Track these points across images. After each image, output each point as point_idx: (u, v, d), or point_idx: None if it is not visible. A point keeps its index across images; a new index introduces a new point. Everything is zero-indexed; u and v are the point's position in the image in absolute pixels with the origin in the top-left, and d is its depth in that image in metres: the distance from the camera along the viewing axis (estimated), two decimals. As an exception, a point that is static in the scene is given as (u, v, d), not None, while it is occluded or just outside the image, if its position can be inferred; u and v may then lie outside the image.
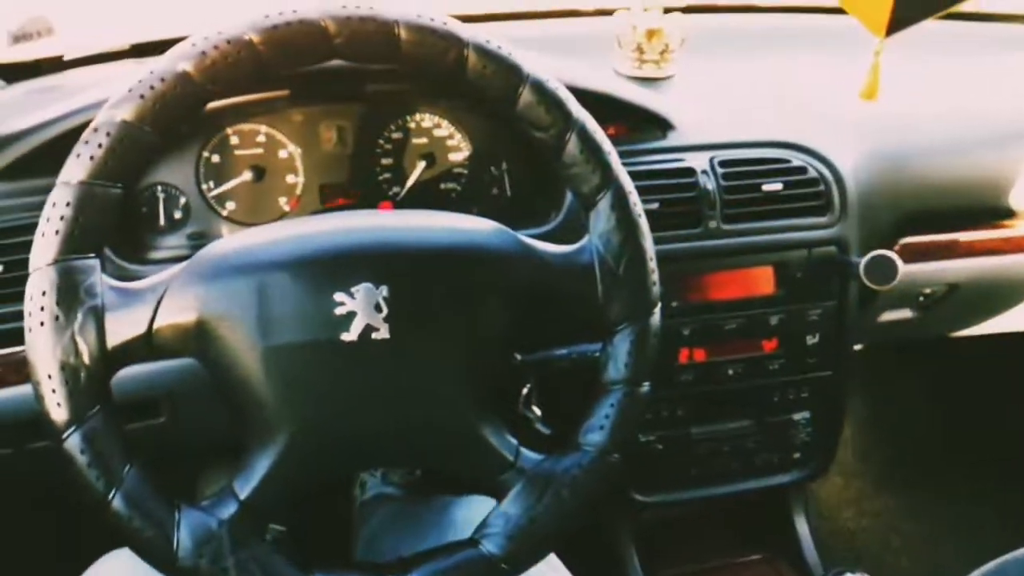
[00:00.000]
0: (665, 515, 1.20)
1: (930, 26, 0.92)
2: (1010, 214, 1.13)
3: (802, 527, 1.18)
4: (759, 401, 1.05)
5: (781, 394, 1.05)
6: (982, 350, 1.52)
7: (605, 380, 0.64)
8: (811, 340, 1.03)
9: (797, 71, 1.16)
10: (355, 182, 0.94)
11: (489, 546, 0.61)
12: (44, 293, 0.54)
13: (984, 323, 1.30)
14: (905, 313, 1.21)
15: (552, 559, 0.79)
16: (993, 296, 1.20)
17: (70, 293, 0.55)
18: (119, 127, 0.56)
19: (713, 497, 1.07)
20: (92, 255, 0.56)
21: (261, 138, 0.91)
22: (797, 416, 1.06)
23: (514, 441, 0.63)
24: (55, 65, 1.05)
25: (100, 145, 0.55)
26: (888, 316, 1.20)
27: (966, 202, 1.10)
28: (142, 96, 0.56)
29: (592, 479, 0.63)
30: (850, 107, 1.09)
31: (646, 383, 0.64)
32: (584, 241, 0.65)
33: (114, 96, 0.57)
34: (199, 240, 0.89)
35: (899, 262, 0.92)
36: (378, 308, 0.58)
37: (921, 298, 1.17)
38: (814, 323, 1.02)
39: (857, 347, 1.19)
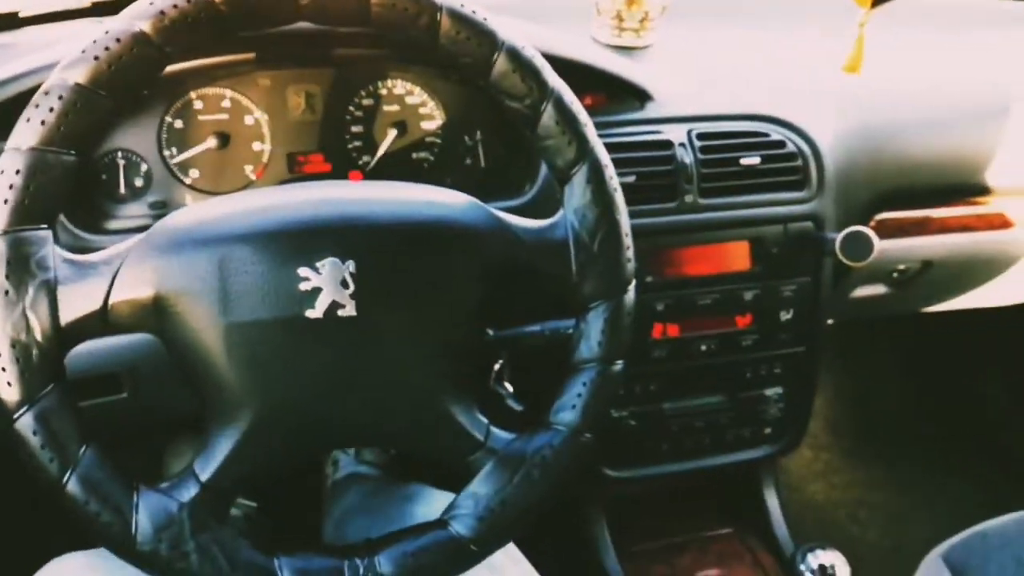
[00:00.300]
0: (635, 490, 1.20)
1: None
2: (984, 191, 1.13)
3: (772, 501, 1.19)
4: (732, 377, 1.04)
5: (754, 370, 1.04)
6: (952, 325, 1.54)
7: (577, 358, 0.63)
8: (785, 316, 1.02)
9: (778, 43, 1.15)
10: (324, 150, 0.91)
11: (458, 527, 0.60)
12: None
13: (956, 299, 1.31)
14: (879, 289, 1.21)
15: (511, 548, 0.78)
16: (966, 273, 1.20)
17: (20, 266, 0.52)
18: (72, 90, 0.53)
19: (685, 472, 1.07)
20: (44, 226, 0.54)
21: (226, 103, 0.88)
22: (769, 392, 1.06)
23: (484, 420, 0.62)
24: (9, 22, 1.00)
25: (52, 109, 0.53)
26: (861, 292, 1.20)
27: (943, 179, 1.10)
28: (96, 57, 0.53)
29: (564, 459, 0.62)
30: (830, 81, 1.08)
31: (619, 361, 0.63)
32: (558, 216, 0.63)
33: (66, 57, 0.54)
34: (161, 209, 0.86)
35: (875, 238, 0.92)
36: (344, 284, 0.56)
37: (895, 274, 1.18)
38: (788, 299, 1.01)
39: (829, 322, 1.19)
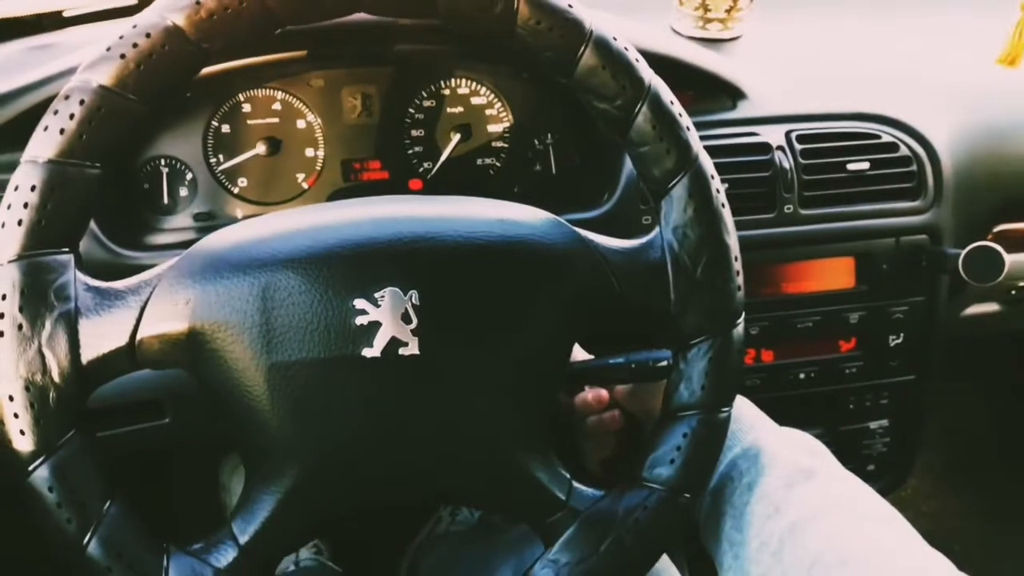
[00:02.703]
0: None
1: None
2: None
3: None
4: (833, 407, 0.94)
5: (857, 400, 0.94)
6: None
7: (677, 403, 0.53)
8: (894, 340, 0.91)
9: (883, 33, 1.03)
10: (381, 157, 0.83)
11: None
12: (4, 297, 0.45)
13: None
14: (991, 307, 1.09)
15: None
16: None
17: (36, 296, 0.45)
18: (95, 94, 0.46)
19: None
20: (64, 249, 0.47)
21: (277, 106, 0.81)
22: (874, 425, 0.95)
23: (566, 475, 0.53)
24: (55, 21, 0.95)
25: (72, 116, 0.46)
26: (972, 311, 1.08)
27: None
28: (123, 56, 0.46)
29: (659, 523, 0.52)
30: (944, 74, 0.97)
31: (726, 408, 0.53)
32: (653, 235, 0.54)
33: (89, 56, 0.47)
34: (206, 221, 0.80)
35: (1005, 256, 0.80)
36: (406, 318, 0.47)
37: (1012, 292, 1.05)
38: (898, 321, 0.90)
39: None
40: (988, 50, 0.97)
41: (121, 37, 0.46)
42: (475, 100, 0.84)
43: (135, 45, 0.46)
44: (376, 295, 0.47)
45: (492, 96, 0.84)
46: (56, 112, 0.46)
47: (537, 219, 0.53)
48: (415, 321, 0.48)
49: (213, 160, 0.80)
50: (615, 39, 0.51)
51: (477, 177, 0.85)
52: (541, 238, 0.51)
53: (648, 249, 0.53)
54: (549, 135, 0.86)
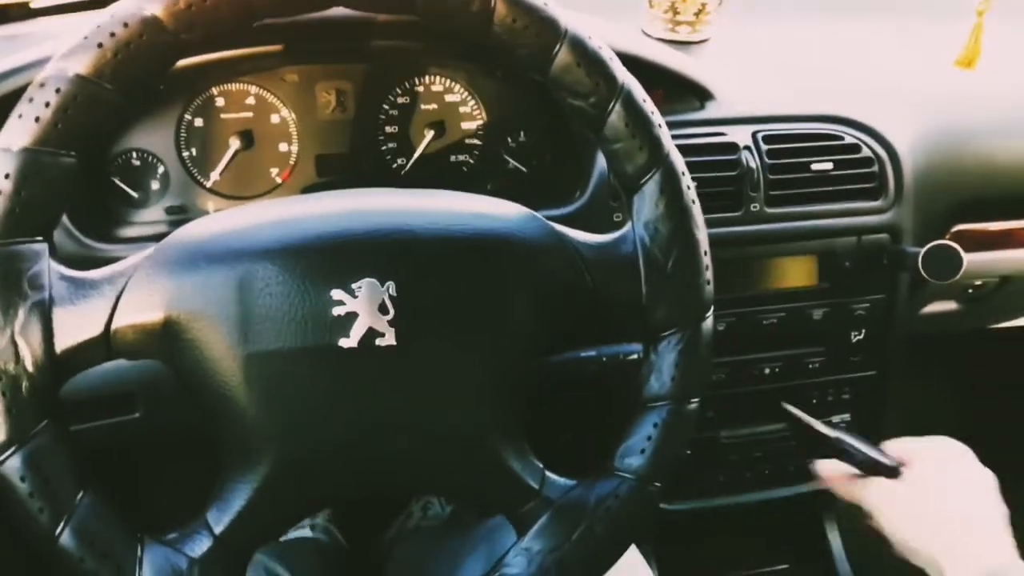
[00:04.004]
0: (685, 522, 1.12)
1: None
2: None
3: (834, 538, 1.10)
4: (796, 402, 0.95)
5: (820, 395, 0.95)
6: (1016, 340, 1.43)
7: (647, 394, 0.55)
8: (856, 337, 0.93)
9: (848, 38, 1.06)
10: (355, 152, 0.84)
11: None
12: None
13: (1028, 316, 1.21)
14: (950, 305, 1.12)
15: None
16: (1046, 289, 1.10)
17: (10, 285, 0.45)
18: (71, 82, 0.46)
19: (741, 505, 0.98)
20: (39, 238, 0.47)
21: (251, 100, 0.81)
22: (836, 419, 0.97)
23: (539, 464, 0.54)
24: (22, 12, 0.94)
25: (48, 104, 0.45)
26: (931, 308, 1.11)
27: (1029, 187, 1.00)
28: (100, 45, 0.46)
29: (630, 511, 0.53)
30: (906, 78, 0.99)
31: (695, 399, 0.55)
32: (625, 230, 0.55)
33: (65, 44, 0.46)
34: (178, 215, 0.79)
35: (963, 254, 0.83)
36: (383, 309, 0.48)
37: (970, 290, 1.08)
38: (860, 318, 0.92)
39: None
40: (947, 55, 1.00)
41: (98, 26, 0.46)
42: (449, 97, 0.85)
43: (112, 34, 0.46)
44: (353, 286, 0.48)
45: (466, 94, 0.85)
46: (31, 100, 0.45)
47: (513, 213, 0.54)
48: (392, 312, 0.48)
49: (186, 154, 0.80)
50: (590, 38, 0.52)
51: (450, 174, 0.86)
52: (517, 232, 0.52)
53: (620, 244, 0.55)
54: (522, 133, 0.87)
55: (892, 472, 0.63)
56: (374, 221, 0.50)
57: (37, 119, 0.45)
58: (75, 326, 0.47)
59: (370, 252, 0.49)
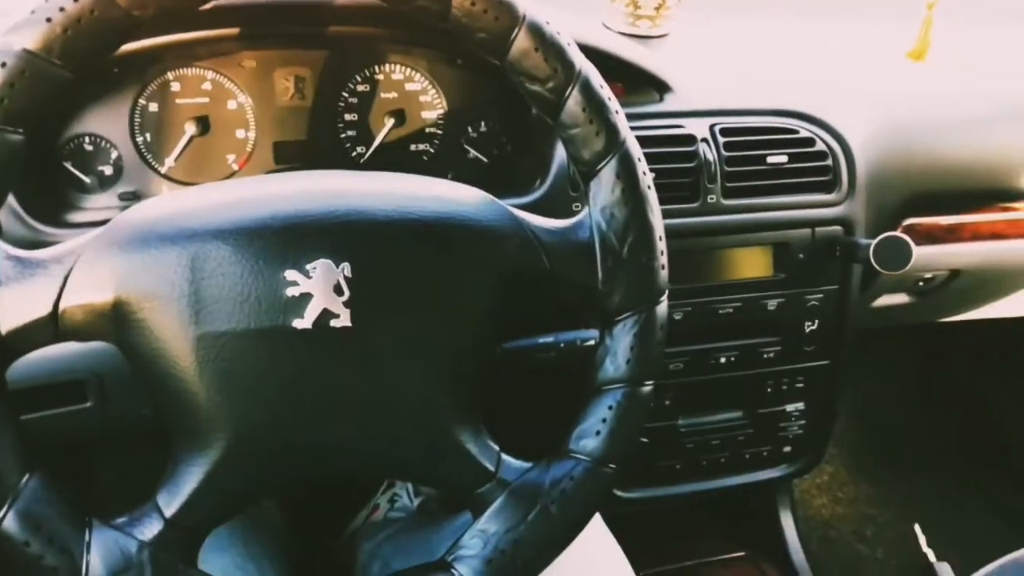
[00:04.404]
0: (643, 509, 1.13)
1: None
2: (1019, 196, 1.07)
3: (788, 525, 1.12)
4: (751, 391, 0.97)
5: (775, 384, 0.97)
6: (968, 334, 1.47)
7: (602, 378, 0.55)
8: (809, 327, 0.95)
9: (803, 35, 1.07)
10: (314, 140, 0.83)
11: (463, 570, 0.52)
12: None
13: (979, 309, 1.24)
14: (901, 298, 1.14)
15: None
16: (995, 282, 1.14)
17: None
18: (18, 57, 0.45)
19: (699, 493, 1.00)
20: None
21: (207, 86, 0.80)
22: (790, 407, 0.99)
23: (495, 447, 0.54)
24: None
25: None
26: (883, 301, 1.13)
27: (976, 183, 1.03)
28: (48, 19, 0.45)
29: (585, 493, 0.54)
30: (860, 75, 1.01)
31: (649, 382, 0.55)
32: (582, 215, 0.55)
33: (12, 19, 0.45)
34: (132, 201, 0.78)
35: (913, 246, 0.85)
36: (338, 290, 0.48)
37: (920, 283, 1.11)
38: (813, 309, 0.94)
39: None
40: (899, 53, 1.02)
41: (47, 1, 0.45)
42: (409, 86, 0.85)
43: (62, 9, 0.45)
44: (308, 267, 0.47)
45: (426, 83, 0.85)
46: None
47: (470, 197, 0.54)
48: (347, 293, 0.48)
49: (140, 139, 0.78)
50: (548, 23, 0.52)
51: (411, 162, 0.86)
52: (474, 215, 0.52)
53: (577, 229, 0.55)
54: (482, 123, 0.87)
55: None
56: (329, 202, 0.50)
57: None
58: (21, 306, 0.46)
59: (325, 233, 0.48)
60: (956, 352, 1.71)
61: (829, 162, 0.91)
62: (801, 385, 0.98)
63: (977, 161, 1.01)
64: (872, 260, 0.86)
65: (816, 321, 0.95)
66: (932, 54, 0.86)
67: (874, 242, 0.85)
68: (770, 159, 0.88)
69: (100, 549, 0.46)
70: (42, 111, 0.46)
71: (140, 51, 0.75)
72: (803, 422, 1.00)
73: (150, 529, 0.48)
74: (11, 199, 0.69)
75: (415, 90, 0.85)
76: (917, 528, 0.79)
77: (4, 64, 0.44)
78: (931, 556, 0.73)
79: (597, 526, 0.72)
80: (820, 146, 0.90)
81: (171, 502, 0.49)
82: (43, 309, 0.46)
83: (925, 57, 0.81)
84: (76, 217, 0.77)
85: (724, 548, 1.14)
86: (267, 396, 0.48)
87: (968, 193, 1.04)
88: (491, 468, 0.54)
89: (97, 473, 1.03)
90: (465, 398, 0.53)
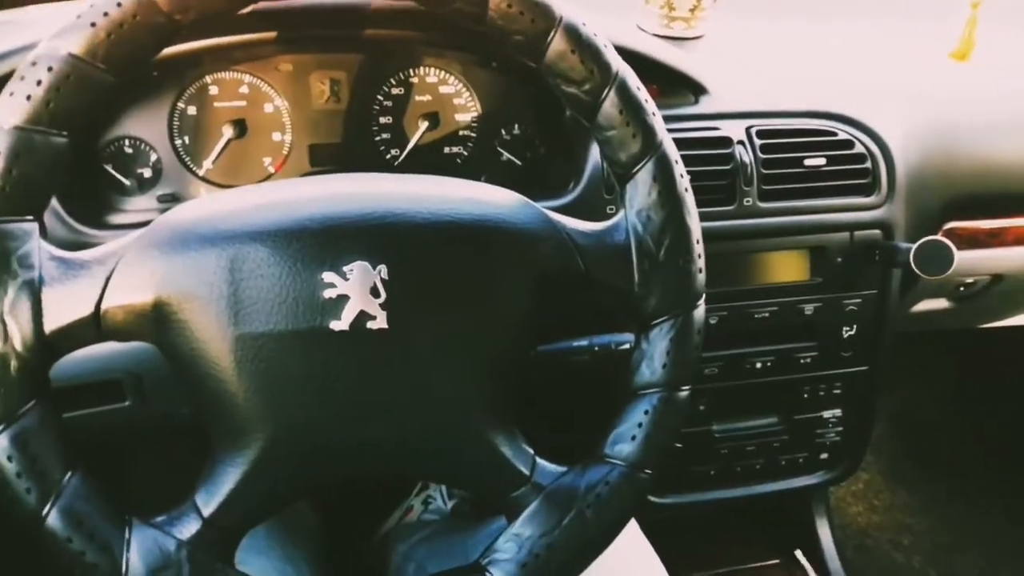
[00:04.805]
0: (677, 515, 1.12)
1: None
2: (1064, 199, 1.04)
3: (824, 533, 1.10)
4: (788, 397, 0.96)
5: (811, 390, 0.96)
6: (1009, 340, 1.44)
7: (639, 382, 0.55)
8: (847, 332, 0.94)
9: (840, 36, 1.06)
10: (349, 143, 0.83)
11: (498, 574, 0.52)
12: None
13: (1021, 315, 1.21)
14: (941, 303, 1.12)
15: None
16: (1037, 288, 1.11)
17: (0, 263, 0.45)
18: (64, 61, 0.45)
19: (733, 499, 0.99)
20: (29, 217, 0.47)
21: (244, 89, 0.80)
22: (827, 414, 0.97)
23: (530, 451, 0.54)
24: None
25: (39, 83, 0.45)
26: (922, 307, 1.11)
27: (1020, 186, 1.00)
28: (93, 24, 0.46)
29: (621, 498, 0.53)
30: (899, 76, 1.00)
31: (686, 386, 0.55)
32: (618, 218, 0.55)
33: (58, 24, 0.46)
34: (170, 203, 0.79)
35: (955, 250, 0.83)
36: (375, 292, 0.48)
37: (961, 288, 1.09)
38: (852, 313, 0.93)
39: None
40: (939, 53, 1.00)
41: (92, 5, 0.46)
42: (443, 89, 0.85)
43: (106, 14, 0.46)
44: (345, 268, 0.48)
45: (460, 85, 0.85)
46: (23, 78, 0.45)
47: (506, 199, 0.54)
48: (383, 295, 0.48)
49: (178, 142, 0.79)
50: (584, 24, 0.52)
51: (444, 165, 0.86)
52: (509, 217, 0.52)
53: (613, 231, 0.55)
54: (516, 125, 0.87)
55: None
56: (366, 204, 0.50)
57: (28, 97, 0.45)
58: (64, 306, 0.46)
59: (362, 235, 0.48)
60: (996, 358, 1.67)
61: (868, 164, 0.89)
62: (838, 391, 0.97)
63: (1021, 164, 0.99)
64: (912, 264, 0.84)
65: (854, 326, 0.94)
66: (976, 55, 0.84)
67: (915, 246, 0.84)
68: (807, 161, 0.87)
69: (139, 547, 0.47)
70: (87, 115, 0.47)
71: (179, 55, 0.76)
72: (840, 428, 0.98)
73: (188, 528, 0.48)
74: (53, 201, 0.71)
75: (449, 93, 0.85)
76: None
77: (50, 68, 0.45)
78: None
79: (633, 531, 0.71)
80: (859, 148, 0.89)
81: (209, 502, 0.49)
82: (85, 309, 0.47)
83: (969, 57, 0.79)
84: (116, 219, 0.78)
85: (758, 555, 1.13)
86: (304, 397, 0.49)
87: (1012, 196, 1.02)
88: (526, 472, 0.53)
89: (135, 472, 1.05)
90: (500, 401, 0.53)
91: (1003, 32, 1.11)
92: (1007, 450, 1.65)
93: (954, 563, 1.48)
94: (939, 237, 0.84)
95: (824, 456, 1.00)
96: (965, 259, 1.01)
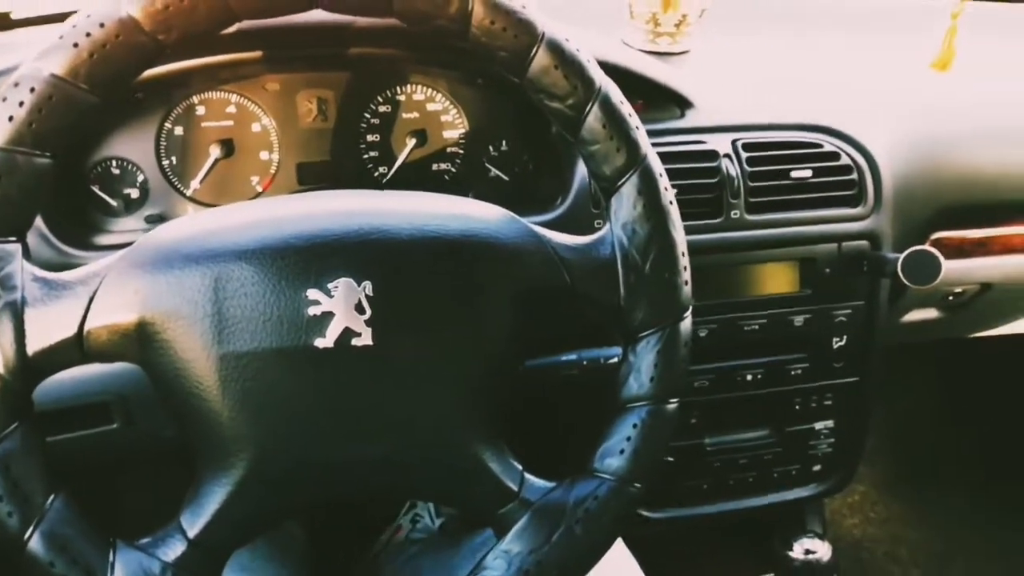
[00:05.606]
0: (667, 530, 1.11)
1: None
2: (1051, 208, 1.05)
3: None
4: (779, 409, 0.96)
5: (803, 401, 0.96)
6: (1001, 349, 1.44)
7: (626, 395, 0.54)
8: (837, 343, 0.94)
9: (825, 49, 1.07)
10: (337, 161, 0.84)
11: None
12: None
13: (1011, 324, 1.22)
14: (930, 313, 1.12)
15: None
16: (1025, 297, 1.11)
17: None
18: (46, 82, 0.46)
19: (726, 513, 0.98)
20: (12, 238, 0.47)
21: (231, 109, 0.81)
22: (819, 425, 0.97)
23: (518, 466, 0.54)
24: (2, 23, 0.94)
25: (22, 103, 0.45)
26: (912, 316, 1.11)
27: (1006, 194, 1.01)
28: (75, 45, 0.46)
29: (610, 513, 0.53)
30: (884, 87, 1.00)
31: (674, 399, 0.55)
32: (604, 232, 0.55)
33: (41, 44, 0.46)
34: (158, 224, 0.78)
35: (942, 259, 0.83)
36: (360, 308, 0.48)
37: (950, 298, 1.09)
38: (841, 324, 0.93)
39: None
40: (922, 64, 1.01)
41: (74, 26, 0.46)
42: (430, 106, 0.85)
43: (88, 34, 0.46)
44: (329, 286, 0.48)
45: (447, 102, 0.85)
46: (5, 99, 0.45)
47: (490, 214, 0.54)
48: (368, 312, 0.48)
49: (166, 162, 0.79)
50: (567, 40, 0.52)
51: (432, 182, 0.86)
52: (494, 232, 0.52)
53: (599, 245, 0.55)
54: (503, 142, 0.87)
55: None
56: (351, 221, 0.50)
57: (11, 118, 0.45)
58: (47, 327, 0.46)
59: (346, 252, 0.48)
60: (988, 367, 1.67)
61: (854, 176, 0.89)
62: (830, 402, 0.97)
63: (1007, 172, 0.99)
64: (900, 274, 0.84)
65: (844, 337, 0.94)
66: (956, 65, 0.85)
67: (902, 256, 0.84)
68: (794, 174, 0.87)
69: (124, 570, 0.47)
70: (70, 135, 0.47)
71: (165, 75, 0.76)
72: (832, 440, 0.98)
73: (173, 550, 0.48)
74: (39, 222, 0.71)
75: (436, 110, 0.85)
76: None
77: (32, 89, 0.45)
78: None
79: (618, 548, 0.71)
80: (845, 160, 0.89)
81: (194, 523, 0.49)
82: (69, 330, 0.46)
83: (950, 67, 0.80)
84: (103, 240, 0.78)
85: (751, 570, 1.12)
86: (289, 415, 0.48)
87: (998, 205, 1.02)
88: (514, 488, 0.53)
89: (122, 494, 1.04)
90: (487, 416, 0.53)
91: (981, 41, 1.12)
92: (1002, 460, 1.65)
93: (950, 574, 1.48)
94: (926, 247, 0.84)
95: (817, 468, 0.99)
96: (953, 268, 1.02)
